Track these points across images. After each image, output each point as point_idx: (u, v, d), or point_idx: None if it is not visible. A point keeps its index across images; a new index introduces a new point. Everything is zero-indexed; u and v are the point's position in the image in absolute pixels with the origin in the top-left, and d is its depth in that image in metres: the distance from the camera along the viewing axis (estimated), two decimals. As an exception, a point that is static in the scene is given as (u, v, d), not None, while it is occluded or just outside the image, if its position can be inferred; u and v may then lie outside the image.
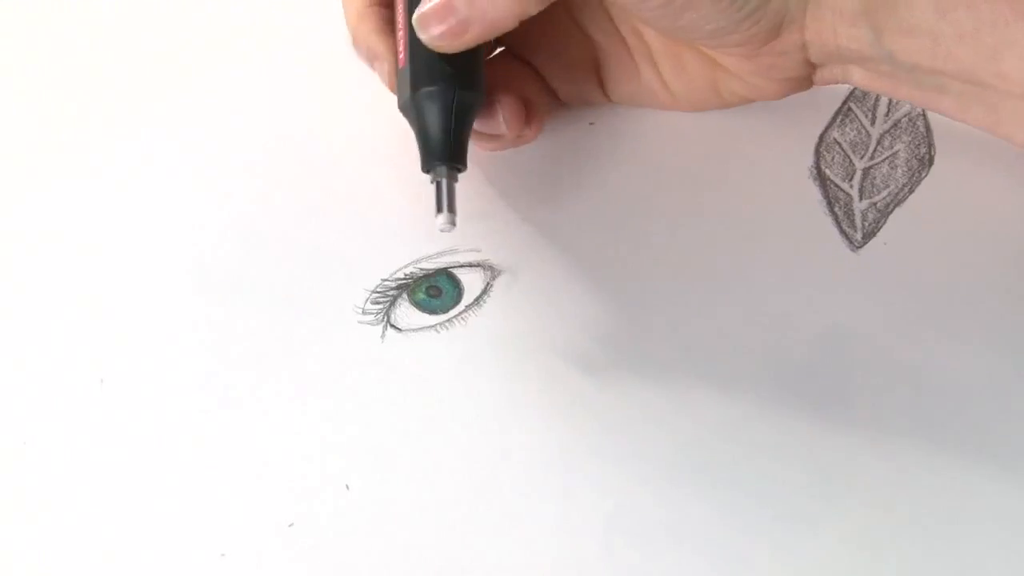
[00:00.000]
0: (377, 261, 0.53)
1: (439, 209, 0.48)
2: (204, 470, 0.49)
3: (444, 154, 0.48)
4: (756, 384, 0.49)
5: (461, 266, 0.54)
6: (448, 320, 0.53)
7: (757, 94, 0.51)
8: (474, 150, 0.50)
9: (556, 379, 0.51)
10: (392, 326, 0.53)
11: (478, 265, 0.53)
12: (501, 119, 0.50)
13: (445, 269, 0.53)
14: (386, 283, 0.53)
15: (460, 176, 0.49)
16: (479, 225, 0.55)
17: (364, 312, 0.53)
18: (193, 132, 0.57)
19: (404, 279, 0.53)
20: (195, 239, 0.53)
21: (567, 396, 0.50)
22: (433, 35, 0.47)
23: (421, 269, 0.53)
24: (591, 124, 0.57)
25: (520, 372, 0.51)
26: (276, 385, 0.51)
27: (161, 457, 0.49)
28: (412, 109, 0.48)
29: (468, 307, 0.53)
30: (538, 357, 0.51)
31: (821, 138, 0.56)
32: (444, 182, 0.48)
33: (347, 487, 0.48)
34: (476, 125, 0.50)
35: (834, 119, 0.56)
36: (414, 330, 0.53)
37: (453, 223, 0.47)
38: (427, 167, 0.48)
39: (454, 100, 0.48)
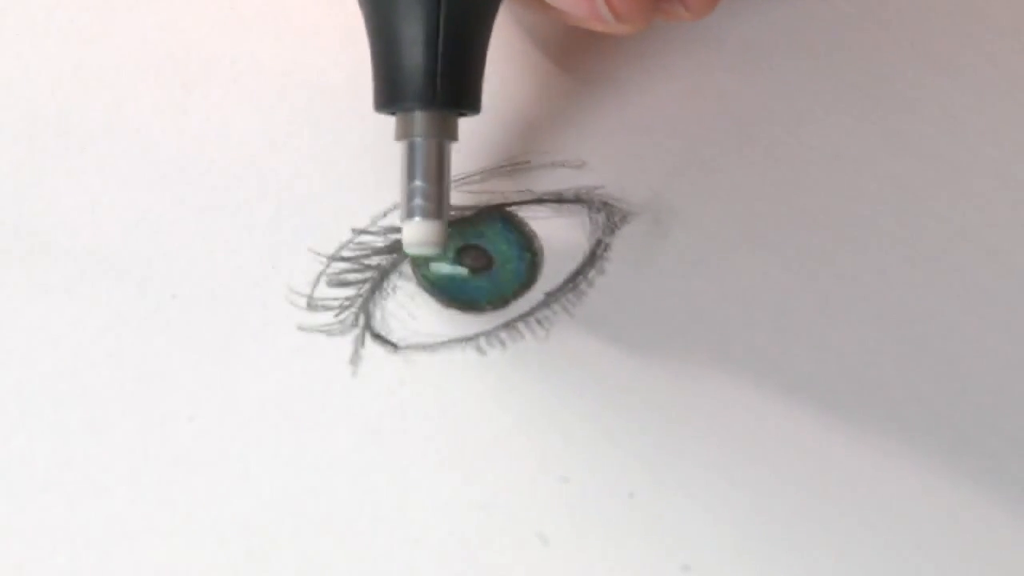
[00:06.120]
0: (345, 190, 0.36)
1: (409, 211, 0.33)
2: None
3: (423, 81, 0.33)
4: None
5: (540, 201, 0.36)
6: (506, 326, 0.34)
7: None
8: None
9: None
10: (377, 336, 0.34)
11: (578, 200, 0.36)
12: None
13: (500, 208, 0.35)
14: (365, 239, 0.35)
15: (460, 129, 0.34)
16: (587, 113, 0.38)
17: (311, 304, 0.35)
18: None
19: (405, 231, 0.36)
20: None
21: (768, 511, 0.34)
22: None
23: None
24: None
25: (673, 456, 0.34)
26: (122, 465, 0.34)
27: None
28: None
29: (553, 296, 0.34)
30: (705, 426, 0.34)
31: None
32: (422, 144, 0.33)
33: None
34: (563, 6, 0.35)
35: None
36: (425, 347, 0.34)
37: (439, 244, 0.33)
38: (387, 104, 0.33)
39: None
